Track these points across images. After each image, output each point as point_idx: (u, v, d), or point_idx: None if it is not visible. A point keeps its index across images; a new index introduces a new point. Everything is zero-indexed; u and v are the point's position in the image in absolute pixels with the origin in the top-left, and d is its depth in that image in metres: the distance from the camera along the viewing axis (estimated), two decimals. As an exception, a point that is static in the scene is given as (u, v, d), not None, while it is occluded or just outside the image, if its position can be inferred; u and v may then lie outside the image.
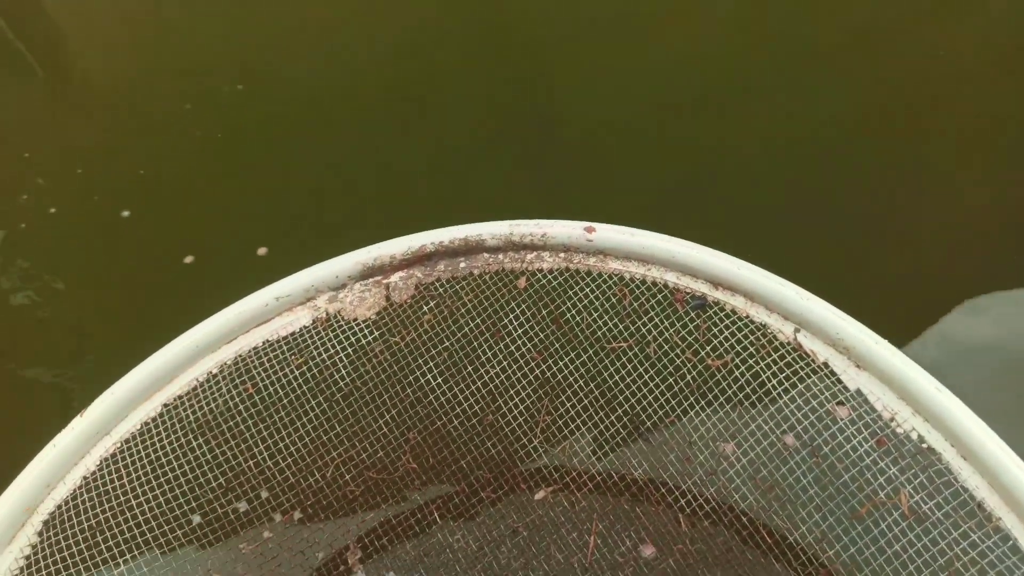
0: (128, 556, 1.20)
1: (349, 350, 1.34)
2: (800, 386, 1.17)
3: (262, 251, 2.13)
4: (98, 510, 1.23)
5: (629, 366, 1.28)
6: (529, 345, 1.32)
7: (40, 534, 1.21)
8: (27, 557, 1.20)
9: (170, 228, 2.25)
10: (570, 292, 1.34)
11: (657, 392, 1.25)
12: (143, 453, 1.27)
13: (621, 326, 1.31)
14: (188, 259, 2.15)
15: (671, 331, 1.28)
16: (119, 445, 1.28)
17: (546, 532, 1.26)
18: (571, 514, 1.25)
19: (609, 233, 1.34)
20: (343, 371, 1.32)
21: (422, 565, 1.26)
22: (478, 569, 1.25)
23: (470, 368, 1.32)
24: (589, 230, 1.34)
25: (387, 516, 1.27)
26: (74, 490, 1.25)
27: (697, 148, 2.26)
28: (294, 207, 2.27)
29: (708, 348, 1.26)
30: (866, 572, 1.08)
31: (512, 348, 1.33)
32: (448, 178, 2.26)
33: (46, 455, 1.24)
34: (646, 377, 1.26)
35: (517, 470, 1.27)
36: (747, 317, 1.27)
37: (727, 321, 1.26)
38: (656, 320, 1.29)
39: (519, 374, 1.31)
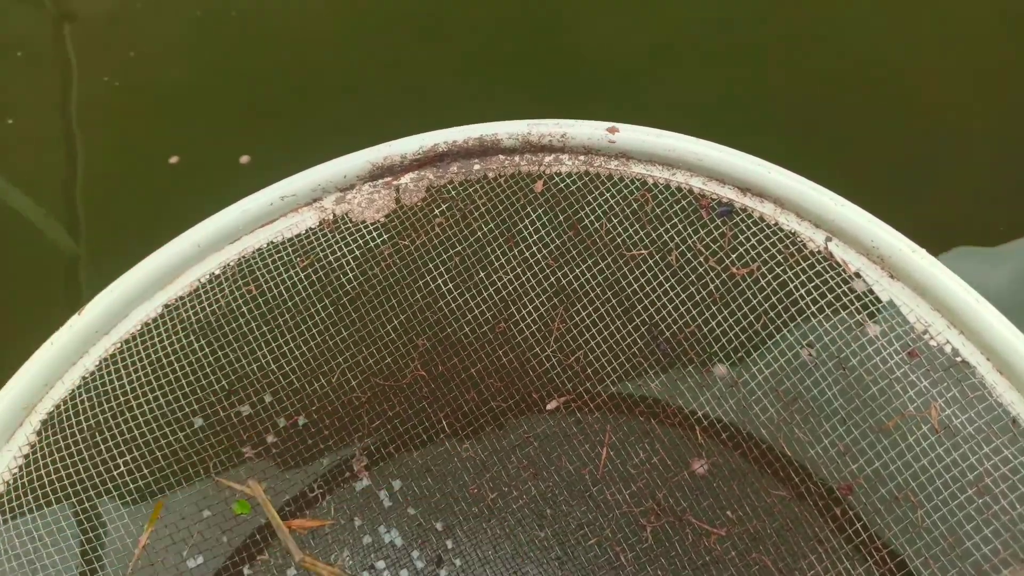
0: (128, 457, 1.19)
1: (356, 253, 1.30)
2: (829, 296, 1.13)
3: (244, 159, 2.09)
4: (97, 410, 1.21)
5: (649, 274, 1.24)
6: (545, 251, 1.29)
7: (38, 433, 1.21)
8: (25, 456, 1.19)
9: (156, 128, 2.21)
10: (589, 197, 1.30)
11: (677, 301, 1.22)
12: (144, 354, 1.25)
13: (642, 233, 1.27)
14: (173, 159, 2.10)
15: (695, 238, 1.24)
16: (119, 345, 1.27)
17: (557, 443, 1.24)
18: (583, 425, 1.23)
19: (633, 134, 1.29)
20: (350, 274, 1.29)
21: (428, 474, 1.25)
22: (486, 479, 1.24)
23: (482, 274, 1.29)
24: (612, 130, 1.29)
25: (394, 424, 1.25)
26: (73, 390, 1.24)
27: (736, 57, 2.18)
28: (281, 112, 2.21)
29: (733, 256, 1.22)
30: (890, 486, 1.05)
31: (527, 254, 1.29)
32: (453, 90, 2.20)
33: (43, 353, 1.23)
34: (666, 286, 1.23)
35: (529, 379, 1.25)
36: (776, 224, 1.22)
37: (755, 228, 1.22)
38: (679, 227, 1.25)
39: (533, 281, 1.27)
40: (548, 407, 1.26)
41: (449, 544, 1.20)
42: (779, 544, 1.11)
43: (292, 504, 1.23)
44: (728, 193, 1.27)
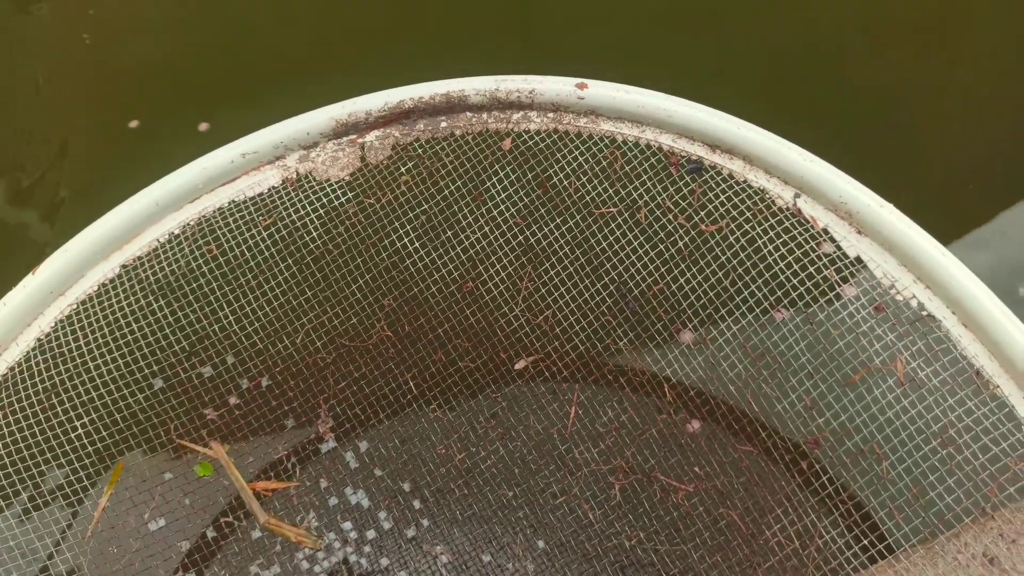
0: (87, 419, 1.16)
1: (321, 211, 1.28)
2: (797, 252, 1.13)
3: (204, 127, 2.04)
4: (53, 372, 1.18)
5: (618, 232, 1.23)
6: (513, 210, 1.27)
7: (-8, 395, 1.17)
8: (-21, 419, 1.16)
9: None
10: (558, 155, 1.28)
11: (647, 259, 1.21)
12: (101, 315, 1.21)
13: (611, 191, 1.25)
14: (133, 123, 2.05)
15: (664, 196, 1.23)
16: (75, 306, 1.23)
17: (525, 403, 1.23)
18: (552, 384, 1.22)
19: (602, 90, 1.27)
20: (314, 233, 1.27)
21: (395, 435, 1.23)
22: (454, 439, 1.22)
23: (449, 233, 1.27)
24: (581, 87, 1.27)
25: (360, 385, 1.23)
26: (27, 352, 1.20)
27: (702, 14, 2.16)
28: (242, 81, 2.16)
29: (702, 214, 1.21)
30: (856, 439, 1.06)
31: (495, 213, 1.27)
32: (421, 58, 2.16)
33: (-4, 314, 1.19)
34: (635, 244, 1.22)
35: (497, 339, 1.24)
36: (745, 181, 1.22)
37: (723, 186, 1.21)
38: (648, 184, 1.24)
39: (501, 240, 1.26)
40: (516, 367, 1.25)
41: (416, 504, 1.19)
42: (746, 499, 1.12)
43: (256, 466, 1.21)
44: (697, 150, 1.25)
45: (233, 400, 1.22)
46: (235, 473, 1.17)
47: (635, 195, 1.24)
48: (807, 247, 1.14)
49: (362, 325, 1.25)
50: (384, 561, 1.15)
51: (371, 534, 1.17)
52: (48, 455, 1.13)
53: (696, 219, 1.21)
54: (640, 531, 1.13)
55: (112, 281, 1.24)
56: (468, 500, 1.18)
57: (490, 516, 1.17)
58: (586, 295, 1.22)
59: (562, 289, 1.24)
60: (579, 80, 1.28)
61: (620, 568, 1.11)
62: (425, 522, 1.17)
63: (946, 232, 1.50)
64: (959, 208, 1.71)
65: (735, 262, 1.16)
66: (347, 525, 1.18)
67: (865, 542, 1.03)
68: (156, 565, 1.14)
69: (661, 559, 1.10)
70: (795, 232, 1.16)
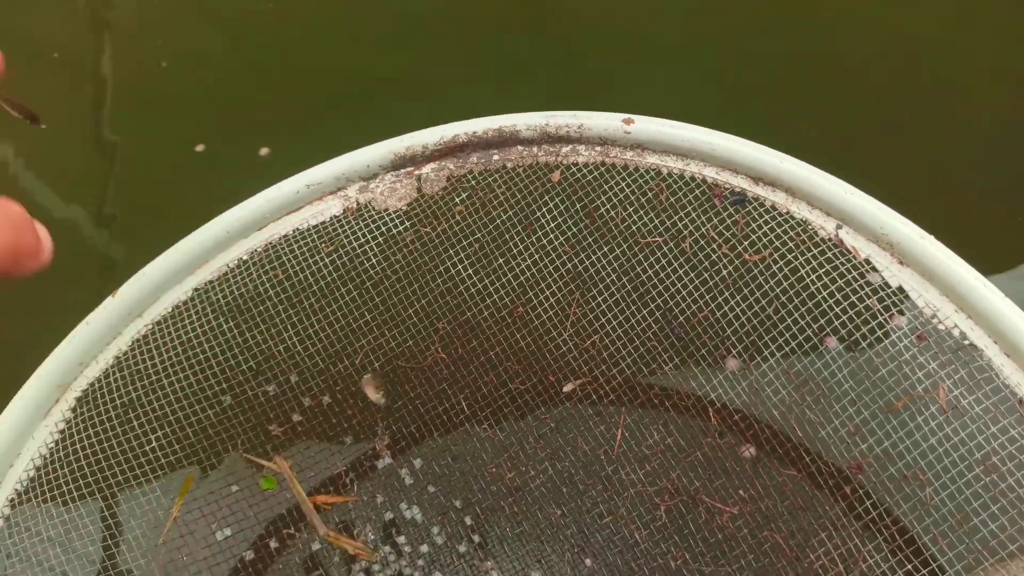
0: (160, 433, 1.23)
1: (380, 239, 1.34)
2: (840, 281, 1.16)
3: (264, 151, 2.14)
4: (130, 388, 1.26)
5: (663, 261, 1.27)
6: (562, 239, 1.32)
7: (73, 410, 1.25)
8: (61, 432, 1.24)
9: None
10: (605, 186, 1.33)
11: (691, 287, 1.25)
12: (174, 335, 1.29)
13: (656, 221, 1.30)
14: (199, 147, 2.16)
15: (708, 226, 1.27)
16: (150, 327, 1.31)
17: (573, 424, 1.27)
18: (599, 407, 1.26)
19: (648, 125, 1.32)
20: (373, 260, 1.33)
21: (448, 453, 1.28)
22: (504, 459, 1.27)
23: (501, 260, 1.32)
24: (627, 122, 1.33)
25: (414, 404, 1.29)
26: (106, 369, 1.28)
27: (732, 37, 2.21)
28: (299, 108, 2.26)
29: (746, 243, 1.24)
30: (899, 465, 1.08)
31: (544, 241, 1.33)
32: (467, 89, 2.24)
33: (79, 333, 1.27)
34: (680, 272, 1.26)
35: (546, 362, 1.29)
36: (787, 213, 1.25)
37: (766, 217, 1.25)
38: (693, 215, 1.28)
39: (551, 267, 1.31)
40: (564, 389, 1.29)
41: (468, 520, 1.23)
42: (790, 522, 1.14)
43: (317, 480, 1.27)
44: (740, 182, 1.29)
45: (296, 417, 1.28)
46: (297, 487, 1.23)
47: (680, 225, 1.28)
48: (849, 276, 1.17)
49: (417, 347, 1.31)
50: (437, 575, 1.19)
51: (424, 548, 1.22)
52: (125, 466, 1.21)
53: (740, 249, 1.25)
54: (685, 552, 1.16)
55: (185, 303, 1.32)
56: (518, 518, 1.22)
57: (539, 534, 1.21)
58: (632, 321, 1.27)
59: (609, 315, 1.28)
60: (626, 116, 1.34)
61: (665, 587, 1.14)
62: (476, 538, 1.22)
63: (988, 262, 1.51)
64: (1001, 238, 1.72)
65: (778, 291, 1.19)
66: (401, 539, 1.23)
67: (909, 567, 1.04)
68: (223, 573, 1.20)
69: (705, 579, 1.13)
70: (837, 262, 1.19)
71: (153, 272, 1.32)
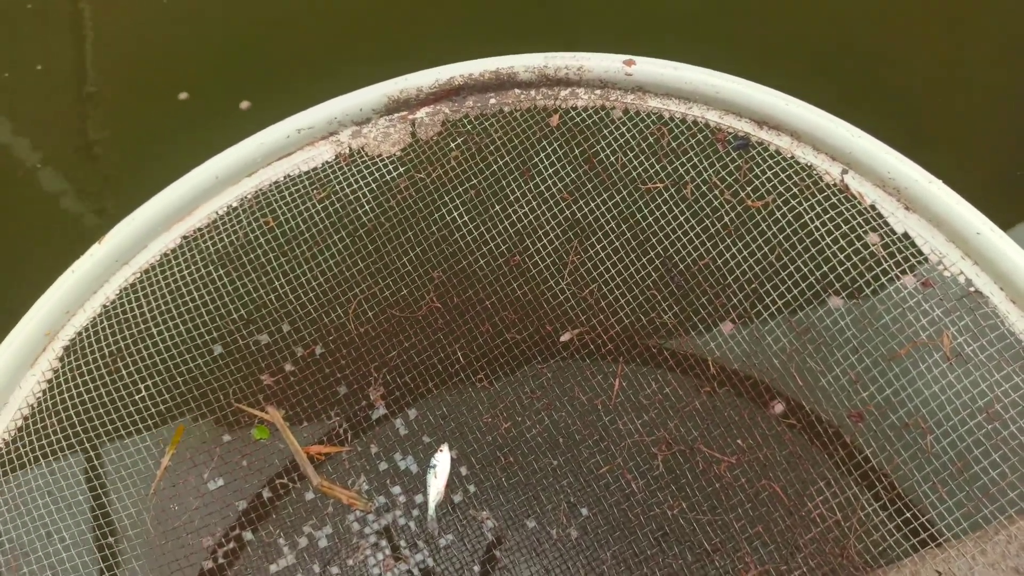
0: (150, 382, 1.21)
1: (373, 185, 1.31)
2: (844, 228, 1.13)
3: (244, 105, 2.08)
4: (118, 337, 1.24)
5: (664, 207, 1.24)
6: (560, 185, 1.29)
7: (61, 359, 1.23)
8: (48, 381, 1.22)
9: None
10: (605, 131, 1.30)
11: (692, 234, 1.22)
12: (163, 283, 1.27)
13: (658, 166, 1.27)
14: (183, 95, 2.11)
15: (710, 172, 1.24)
16: (138, 275, 1.28)
17: (570, 374, 1.26)
18: (596, 357, 1.24)
19: (650, 67, 1.28)
20: (366, 207, 1.30)
21: (443, 403, 1.27)
22: (500, 409, 1.25)
23: (498, 207, 1.30)
24: (628, 63, 1.29)
25: (409, 354, 1.27)
26: (94, 318, 1.26)
27: None
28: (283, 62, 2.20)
29: (749, 189, 1.22)
30: (900, 413, 1.07)
31: (542, 188, 1.30)
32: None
33: (64, 281, 1.25)
34: (681, 219, 1.23)
35: (543, 312, 1.26)
36: (792, 157, 1.22)
37: (770, 162, 1.22)
38: (695, 160, 1.25)
39: (548, 215, 1.28)
40: (562, 339, 1.28)
41: (463, 471, 1.22)
42: (789, 472, 1.13)
43: (310, 431, 1.25)
44: (744, 126, 1.26)
45: (288, 367, 1.26)
46: (290, 437, 1.21)
47: (681, 171, 1.26)
48: (854, 223, 1.14)
49: (412, 296, 1.29)
50: (431, 525, 1.18)
51: (419, 498, 1.21)
52: (114, 415, 1.19)
53: (742, 195, 1.22)
54: (682, 501, 1.15)
55: (174, 251, 1.29)
56: (514, 468, 1.21)
57: (535, 484, 1.20)
58: (631, 269, 1.24)
59: (608, 263, 1.26)
60: (627, 57, 1.30)
61: (662, 536, 1.13)
62: (471, 488, 1.21)
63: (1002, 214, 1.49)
64: (1015, 189, 1.69)
65: (781, 237, 1.17)
66: (396, 489, 1.22)
67: (908, 515, 1.04)
68: (215, 523, 1.19)
69: (703, 528, 1.13)
70: (842, 208, 1.16)
71: (140, 219, 1.29)
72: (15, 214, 1.97)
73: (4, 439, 1.18)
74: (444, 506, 1.19)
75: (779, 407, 1.18)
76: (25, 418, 1.19)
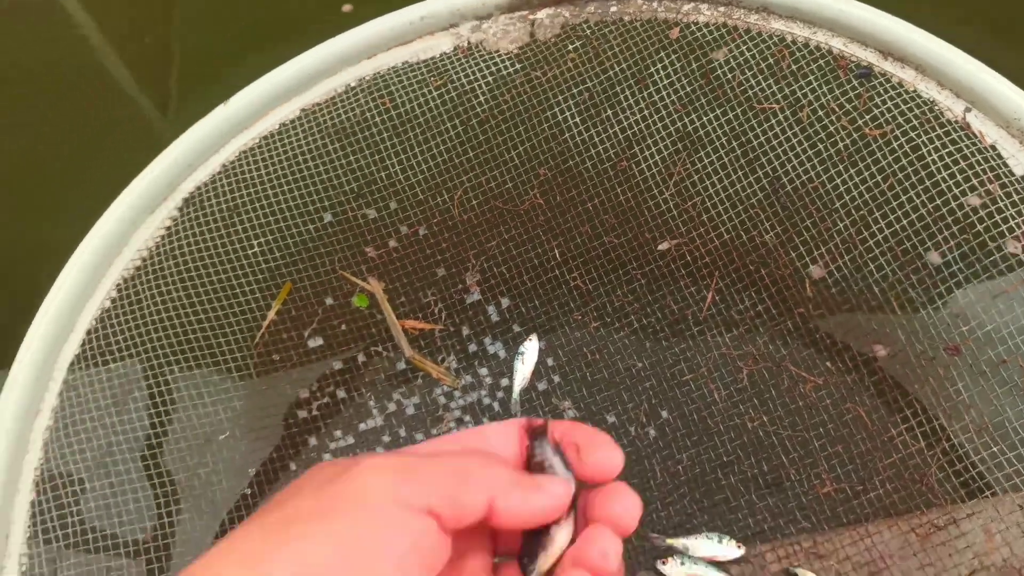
0: (262, 239, 1.26)
1: (489, 79, 1.33)
2: (963, 163, 1.12)
3: (347, 7, 2.10)
4: (235, 195, 1.28)
5: (777, 128, 1.24)
6: (674, 96, 1.29)
7: (180, 210, 1.28)
8: (167, 228, 1.27)
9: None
10: (724, 48, 1.29)
11: (804, 156, 1.22)
12: (280, 150, 1.30)
13: (775, 88, 1.26)
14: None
15: (828, 97, 1.23)
16: (257, 140, 1.32)
17: (664, 282, 1.27)
18: (692, 268, 1.25)
19: (779, -13, 1.27)
20: (480, 98, 1.32)
21: (536, 297, 1.29)
22: (591, 308, 1.28)
23: (609, 112, 1.30)
24: (758, -19, 1.27)
25: (507, 246, 1.29)
26: (213, 175, 1.30)
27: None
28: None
29: (867, 118, 1.20)
30: (999, 349, 1.06)
31: (655, 97, 1.30)
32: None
33: (188, 137, 1.29)
34: (794, 141, 1.23)
35: (643, 219, 1.28)
36: (914, 91, 1.20)
37: (891, 93, 1.20)
38: (814, 85, 1.24)
39: (659, 124, 1.28)
40: (659, 247, 1.29)
41: (550, 362, 1.25)
42: (875, 397, 1.14)
43: (406, 306, 1.29)
44: (869, 56, 1.24)
45: (392, 243, 1.30)
46: (388, 308, 1.25)
47: (799, 94, 1.25)
48: (972, 160, 1.13)
49: (517, 190, 1.31)
50: (514, 407, 1.22)
51: (504, 382, 1.24)
52: (227, 266, 1.24)
53: (860, 123, 1.21)
54: (764, 415, 1.17)
55: (292, 122, 1.33)
56: (599, 364, 1.23)
57: (618, 383, 1.22)
58: (737, 186, 1.24)
59: (714, 178, 1.26)
60: (758, -25, 1.28)
61: (740, 446, 1.15)
62: (556, 378, 1.24)
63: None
64: None
65: (896, 167, 1.16)
66: (483, 371, 1.25)
67: (995, 449, 1.04)
68: (312, 378, 1.24)
69: (781, 442, 1.14)
70: (961, 144, 1.15)
71: (261, 87, 1.33)
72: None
73: (123, 276, 1.24)
74: (528, 392, 1.22)
75: (882, 351, 1.18)
76: (143, 260, 1.25)
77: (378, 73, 1.36)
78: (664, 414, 1.20)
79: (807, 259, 1.20)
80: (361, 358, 1.25)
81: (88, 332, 1.22)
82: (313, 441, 1.23)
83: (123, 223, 1.25)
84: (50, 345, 1.19)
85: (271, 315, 1.24)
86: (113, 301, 1.21)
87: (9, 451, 1.13)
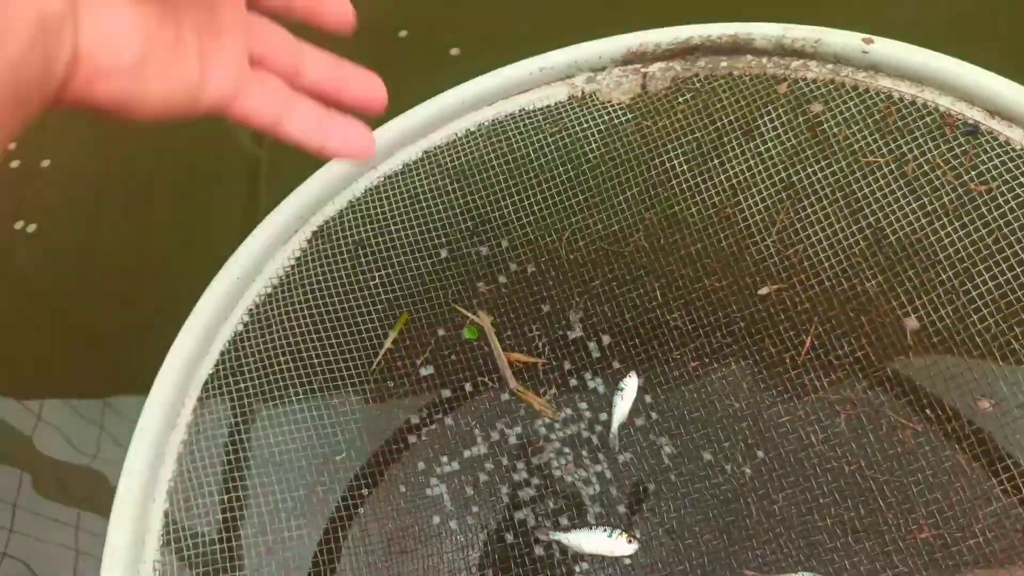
0: (383, 272, 1.39)
1: (601, 127, 1.44)
2: (1070, 221, 1.16)
3: (455, 52, 2.25)
4: (361, 229, 1.42)
5: (882, 181, 1.30)
6: (779, 148, 1.37)
7: (310, 242, 1.42)
8: (296, 259, 1.41)
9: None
10: (832, 104, 1.37)
11: (907, 209, 1.27)
12: (403, 189, 1.44)
13: (880, 142, 1.32)
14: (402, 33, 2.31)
15: (934, 153, 1.29)
16: (382, 179, 1.46)
17: (763, 325, 1.34)
18: (791, 313, 1.32)
19: (887, 47, 1.34)
20: (593, 145, 1.43)
21: (636, 335, 1.38)
22: (690, 348, 1.35)
23: (716, 161, 1.39)
24: (867, 42, 1.35)
25: (611, 285, 1.38)
26: (341, 210, 1.44)
27: None
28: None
29: (973, 173, 1.26)
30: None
31: (761, 148, 1.38)
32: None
33: (320, 176, 1.44)
34: (898, 194, 1.29)
35: (745, 264, 1.35)
36: (1022, 149, 1.25)
37: (998, 150, 1.25)
38: (920, 140, 1.30)
39: (765, 174, 1.36)
40: (760, 292, 1.36)
41: (647, 399, 1.33)
42: (976, 446, 1.17)
43: (512, 340, 1.39)
44: (975, 115, 1.30)
45: (502, 279, 1.41)
46: (495, 341, 1.36)
47: (904, 148, 1.31)
48: (1081, 217, 1.17)
49: (622, 233, 1.40)
50: (612, 442, 1.30)
51: (603, 416, 1.33)
52: (349, 296, 1.37)
53: (965, 178, 1.26)
54: (861, 459, 1.21)
55: (415, 163, 1.47)
56: (696, 403, 1.30)
57: (715, 422, 1.29)
58: (840, 236, 1.31)
59: (817, 227, 1.33)
60: (865, 35, 1.36)
61: (836, 488, 1.20)
62: (654, 415, 1.31)
63: None
64: None
65: (1001, 222, 1.21)
66: (583, 405, 1.34)
67: (1098, 504, 1.06)
68: (422, 404, 1.35)
69: (879, 487, 1.18)
70: (1069, 202, 1.19)
71: (389, 133, 1.47)
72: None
73: (255, 302, 1.38)
74: (626, 427, 1.30)
75: (984, 404, 1.21)
76: (274, 287, 1.39)
77: (496, 119, 1.48)
78: (760, 454, 1.25)
79: (908, 308, 1.25)
80: (468, 387, 1.36)
81: (222, 354, 1.36)
82: (421, 465, 1.33)
83: (257, 253, 1.39)
84: (188, 365, 1.33)
85: (388, 343, 1.36)
86: (245, 325, 1.35)
87: (149, 463, 1.26)
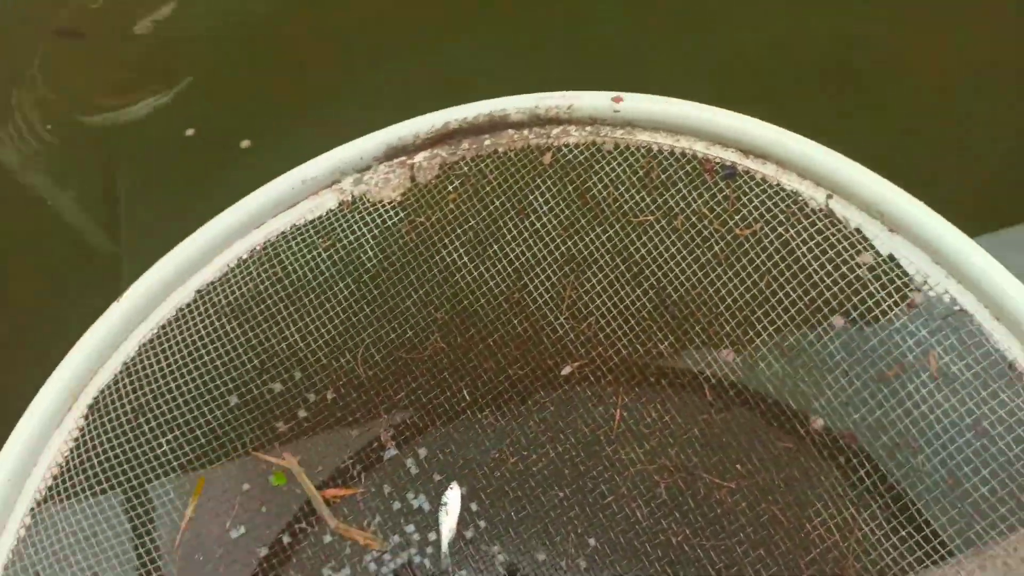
0: (170, 436, 1.32)
1: (376, 231, 1.42)
2: (831, 252, 1.21)
3: (245, 143, 2.20)
4: (139, 393, 1.35)
5: (656, 239, 1.33)
6: (555, 222, 1.38)
7: (86, 417, 1.34)
8: (75, 439, 1.33)
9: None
10: (596, 167, 1.39)
11: (684, 264, 1.30)
12: (180, 338, 1.38)
13: (648, 199, 1.35)
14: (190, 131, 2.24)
15: (699, 202, 1.32)
16: (155, 331, 1.40)
17: (572, 407, 1.34)
18: (597, 388, 1.33)
19: (637, 102, 1.37)
20: (370, 252, 1.40)
21: (452, 441, 1.36)
22: (507, 443, 1.34)
23: (495, 247, 1.39)
24: (616, 100, 1.37)
25: (416, 394, 1.36)
26: (115, 375, 1.37)
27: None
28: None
29: (737, 218, 1.29)
30: (891, 433, 1.13)
31: (538, 225, 1.39)
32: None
33: (86, 341, 1.36)
34: (673, 250, 1.32)
35: (544, 346, 1.35)
36: (778, 185, 1.30)
37: (757, 190, 1.30)
38: (684, 191, 1.33)
39: (545, 251, 1.37)
40: (563, 372, 1.36)
41: (474, 507, 1.31)
42: (787, 494, 1.20)
43: (325, 474, 1.35)
44: (731, 156, 1.34)
45: (302, 413, 1.37)
46: (306, 482, 1.32)
47: (671, 202, 1.34)
48: (840, 247, 1.22)
49: (417, 338, 1.38)
50: (444, 562, 1.27)
51: (432, 536, 1.30)
52: (138, 471, 1.30)
53: (731, 223, 1.30)
54: (686, 528, 1.23)
55: (188, 306, 1.41)
56: (522, 502, 1.30)
57: (543, 516, 1.28)
58: (627, 301, 1.33)
59: (604, 296, 1.35)
60: (615, 93, 1.39)
61: (668, 564, 1.21)
62: (482, 523, 1.30)
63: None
64: (996, 207, 1.74)
65: (769, 264, 1.25)
66: (410, 528, 1.31)
67: (903, 533, 1.10)
68: (239, 570, 1.29)
69: (707, 554, 1.20)
70: (828, 233, 1.24)
71: (157, 275, 1.41)
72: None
73: (36, 499, 1.29)
74: (457, 542, 1.28)
75: (785, 444, 1.25)
76: (55, 477, 1.30)
77: (267, 241, 1.44)
78: (592, 542, 1.26)
79: (702, 364, 1.27)
80: (286, 539, 1.31)
81: (5, 568, 1.26)
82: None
83: (31, 441, 1.30)
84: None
85: (188, 513, 1.30)
86: (27, 529, 1.25)
87: None
